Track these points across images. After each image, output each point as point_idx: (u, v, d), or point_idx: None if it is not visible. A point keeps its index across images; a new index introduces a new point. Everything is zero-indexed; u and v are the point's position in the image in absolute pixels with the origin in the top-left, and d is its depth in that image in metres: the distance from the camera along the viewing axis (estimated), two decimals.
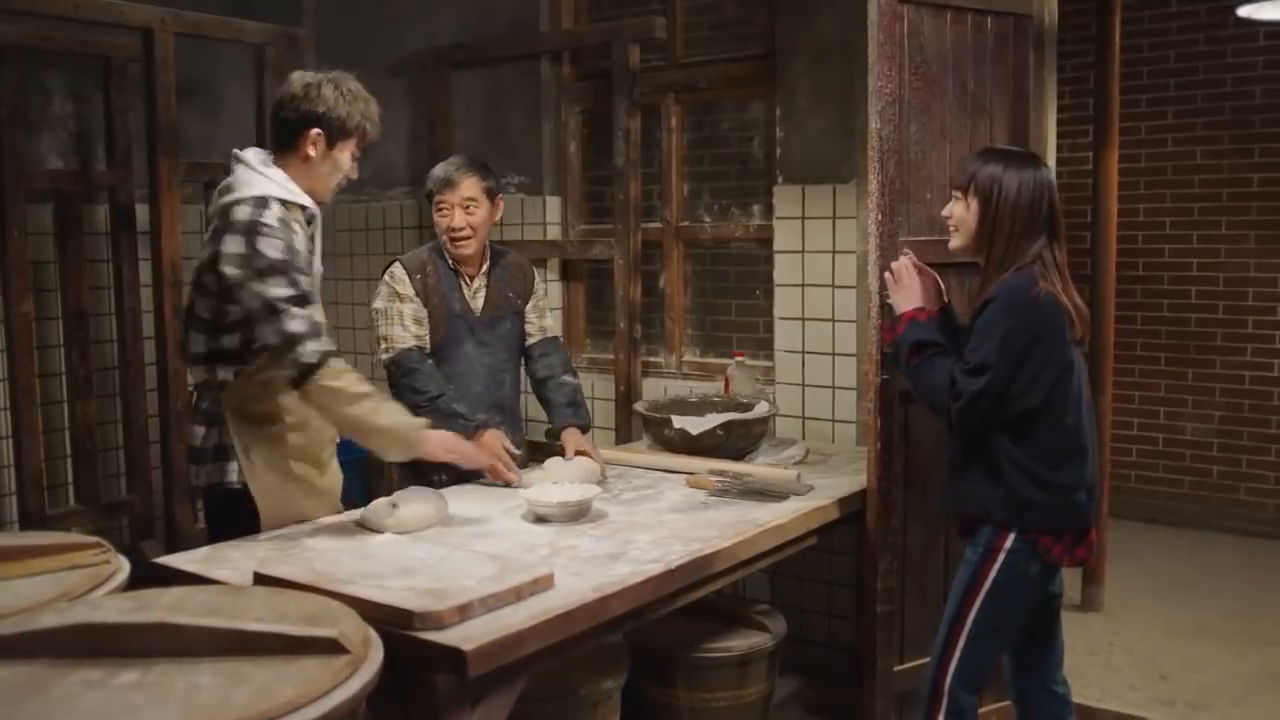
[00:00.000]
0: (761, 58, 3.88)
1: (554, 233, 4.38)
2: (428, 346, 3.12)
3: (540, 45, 4.32)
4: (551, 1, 4.34)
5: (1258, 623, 4.12)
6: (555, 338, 3.38)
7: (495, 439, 2.89)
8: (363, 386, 2.42)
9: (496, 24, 4.43)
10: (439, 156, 4.44)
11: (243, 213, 2.39)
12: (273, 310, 2.35)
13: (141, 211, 4.13)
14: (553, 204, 4.39)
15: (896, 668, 3.00)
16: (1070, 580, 3.86)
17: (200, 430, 2.56)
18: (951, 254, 2.66)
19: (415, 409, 2.70)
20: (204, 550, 2.35)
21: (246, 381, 2.49)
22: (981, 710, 3.06)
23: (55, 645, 1.61)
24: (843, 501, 2.90)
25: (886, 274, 2.72)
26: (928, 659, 2.61)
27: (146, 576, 2.17)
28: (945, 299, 2.70)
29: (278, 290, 2.35)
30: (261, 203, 2.40)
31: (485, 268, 3.24)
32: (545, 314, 3.37)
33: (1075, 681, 2.79)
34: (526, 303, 3.30)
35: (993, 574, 2.48)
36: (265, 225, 2.37)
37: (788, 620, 3.30)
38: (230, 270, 2.37)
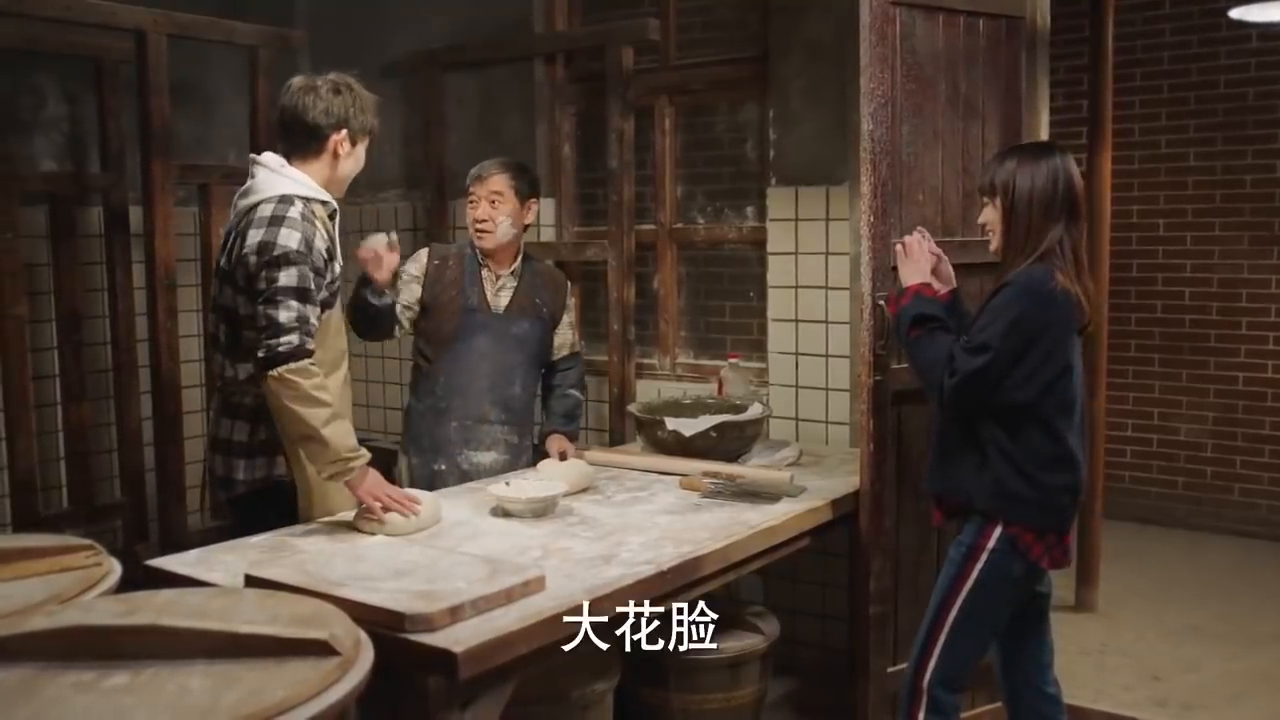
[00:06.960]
0: (754, 60, 3.88)
1: (547, 235, 4.38)
2: (405, 325, 3.27)
3: (533, 47, 4.32)
4: (544, 3, 4.33)
5: (1251, 623, 4.13)
6: (578, 353, 3.49)
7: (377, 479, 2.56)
8: (324, 395, 2.43)
9: (489, 26, 4.42)
10: (432, 159, 4.46)
11: (266, 209, 2.50)
12: (271, 295, 2.43)
13: (135, 214, 4.13)
14: (546, 206, 4.38)
15: (889, 669, 3.00)
16: (1064, 581, 3.88)
17: (244, 425, 2.61)
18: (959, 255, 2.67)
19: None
20: (195, 552, 2.35)
21: None
22: (974, 711, 3.07)
23: (45, 648, 1.61)
24: (836, 503, 2.90)
25: (897, 246, 2.72)
26: None
27: (138, 579, 2.17)
28: (954, 283, 2.70)
29: (285, 279, 2.44)
30: (286, 200, 2.52)
31: (515, 268, 3.32)
32: (574, 329, 3.47)
33: (1069, 682, 2.79)
34: (557, 314, 3.38)
35: (975, 573, 2.49)
36: (289, 218, 2.48)
37: (781, 622, 3.30)
38: (252, 258, 2.46)
